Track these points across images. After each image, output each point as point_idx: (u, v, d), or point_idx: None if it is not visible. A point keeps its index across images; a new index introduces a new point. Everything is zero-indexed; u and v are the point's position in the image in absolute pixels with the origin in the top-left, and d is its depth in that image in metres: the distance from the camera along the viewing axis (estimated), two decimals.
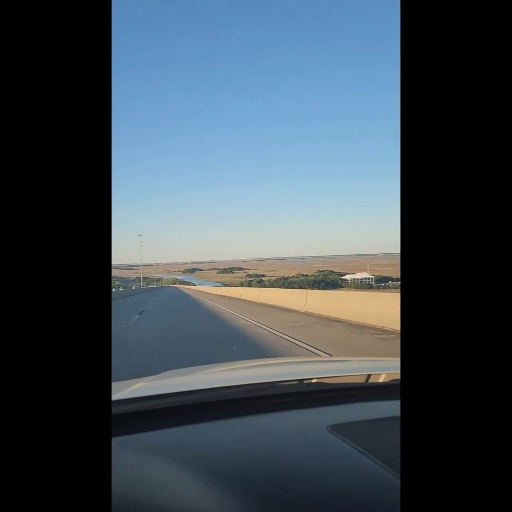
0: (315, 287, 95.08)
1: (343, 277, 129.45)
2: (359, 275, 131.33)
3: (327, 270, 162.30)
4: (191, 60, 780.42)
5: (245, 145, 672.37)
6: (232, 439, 0.71)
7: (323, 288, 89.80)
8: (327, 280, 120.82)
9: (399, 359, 1.38)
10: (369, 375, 1.03)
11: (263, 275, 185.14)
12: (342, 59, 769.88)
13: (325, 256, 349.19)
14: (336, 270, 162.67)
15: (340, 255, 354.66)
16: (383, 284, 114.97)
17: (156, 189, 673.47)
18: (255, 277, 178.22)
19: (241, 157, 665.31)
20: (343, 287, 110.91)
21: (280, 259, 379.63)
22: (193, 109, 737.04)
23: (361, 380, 1.02)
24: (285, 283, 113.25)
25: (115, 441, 0.66)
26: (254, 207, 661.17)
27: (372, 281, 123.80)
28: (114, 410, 0.78)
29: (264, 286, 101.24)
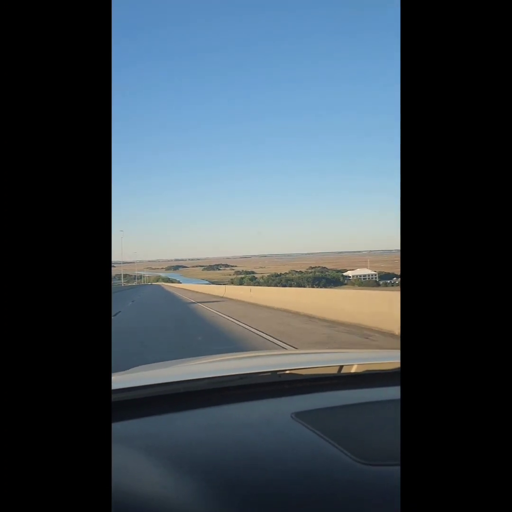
0: (315, 285, 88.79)
1: (344, 274, 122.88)
2: (361, 271, 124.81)
3: (320, 267, 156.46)
4: (186, 53, 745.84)
5: (228, 141, 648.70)
6: (195, 429, 0.71)
7: (324, 286, 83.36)
8: (327, 276, 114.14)
9: (376, 350, 2.03)
10: (341, 366, 1.03)
11: (253, 272, 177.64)
12: (342, 51, 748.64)
13: (311, 254, 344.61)
14: (328, 267, 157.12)
15: (325, 252, 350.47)
16: (388, 281, 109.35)
17: (139, 187, 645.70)
18: (244, 273, 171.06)
19: (224, 154, 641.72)
20: (346, 284, 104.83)
21: (265, 256, 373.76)
22: (176, 105, 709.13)
23: (334, 371, 1.02)
24: (281, 280, 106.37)
25: None
26: (238, 204, 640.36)
27: (376, 277, 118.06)
28: None
29: (258, 283, 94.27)
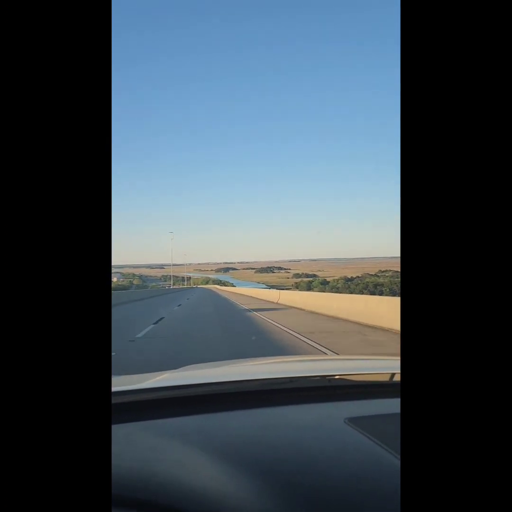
0: None
1: None
2: None
3: (391, 271, 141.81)
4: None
5: (280, 142, 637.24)
6: (250, 427, 0.73)
7: None
8: None
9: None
10: (393, 374, 1.01)
11: (315, 275, 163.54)
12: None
13: (371, 258, 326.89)
14: (398, 270, 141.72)
15: (382, 256, 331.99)
16: None
17: (190, 196, 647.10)
18: (305, 276, 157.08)
19: (271, 157, 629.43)
20: None
21: (315, 260, 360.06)
22: (223, 101, 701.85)
23: (385, 378, 1.01)
24: (367, 285, 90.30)
25: (139, 425, 0.71)
26: (289, 207, 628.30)
27: None
28: (139, 397, 0.82)
29: (337, 290, 79.84)
